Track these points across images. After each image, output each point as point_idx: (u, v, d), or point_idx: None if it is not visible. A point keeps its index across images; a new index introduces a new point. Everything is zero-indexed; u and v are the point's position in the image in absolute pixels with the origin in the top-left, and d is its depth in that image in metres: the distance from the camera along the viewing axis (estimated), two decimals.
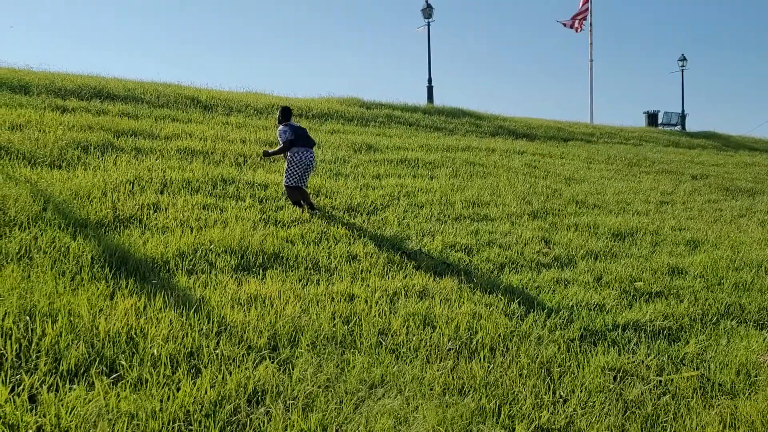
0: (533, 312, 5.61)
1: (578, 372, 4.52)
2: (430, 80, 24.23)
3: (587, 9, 29.85)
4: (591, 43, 30.77)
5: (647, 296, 6.45)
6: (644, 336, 5.36)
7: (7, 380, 3.46)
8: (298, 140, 8.11)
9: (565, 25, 29.66)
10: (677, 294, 6.57)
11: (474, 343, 4.79)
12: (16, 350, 3.76)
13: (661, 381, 4.56)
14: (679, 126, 32.00)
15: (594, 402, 4.13)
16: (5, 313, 4.10)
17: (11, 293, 4.42)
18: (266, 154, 8.64)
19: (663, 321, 5.73)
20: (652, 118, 30.78)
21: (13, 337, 3.86)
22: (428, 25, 24.21)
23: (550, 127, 22.02)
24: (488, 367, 4.42)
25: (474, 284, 6.20)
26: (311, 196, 8.77)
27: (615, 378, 4.52)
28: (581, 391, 4.23)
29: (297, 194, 8.13)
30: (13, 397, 3.32)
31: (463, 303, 5.60)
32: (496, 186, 11.13)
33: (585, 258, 7.61)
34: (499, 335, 4.96)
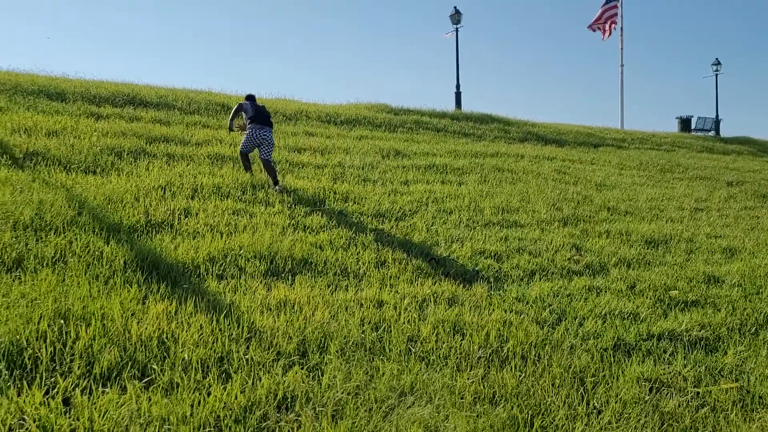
0: (565, 320, 5.53)
1: (612, 382, 4.43)
2: (458, 86, 24.16)
3: (616, 14, 29.46)
4: (621, 48, 30.41)
5: (683, 305, 6.30)
6: (680, 346, 5.23)
7: (42, 383, 3.50)
8: (257, 118, 9.37)
9: (592, 29, 29.30)
10: (714, 303, 6.41)
11: (505, 351, 4.72)
12: (50, 353, 3.81)
13: (698, 393, 4.44)
14: (713, 131, 31.39)
15: (629, 413, 4.03)
16: (41, 317, 4.16)
17: (47, 297, 4.49)
18: (230, 128, 10.11)
19: (699, 331, 5.58)
20: (685, 123, 30.25)
21: (48, 340, 3.91)
22: (456, 30, 24.15)
23: (580, 132, 21.78)
24: (520, 376, 4.35)
25: (504, 291, 6.13)
26: (339, 200, 8.79)
27: (651, 389, 4.41)
28: (616, 402, 4.14)
29: (247, 161, 9.64)
30: (47, 399, 3.35)
31: (493, 310, 5.53)
32: (525, 192, 11.02)
33: (617, 266, 7.48)
34: (531, 343, 4.89)
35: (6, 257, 5.20)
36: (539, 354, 4.74)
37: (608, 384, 4.40)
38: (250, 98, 9.69)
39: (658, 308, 6.13)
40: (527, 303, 5.87)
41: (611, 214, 10.25)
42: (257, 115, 9.35)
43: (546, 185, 11.92)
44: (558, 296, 6.18)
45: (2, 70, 14.94)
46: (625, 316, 5.80)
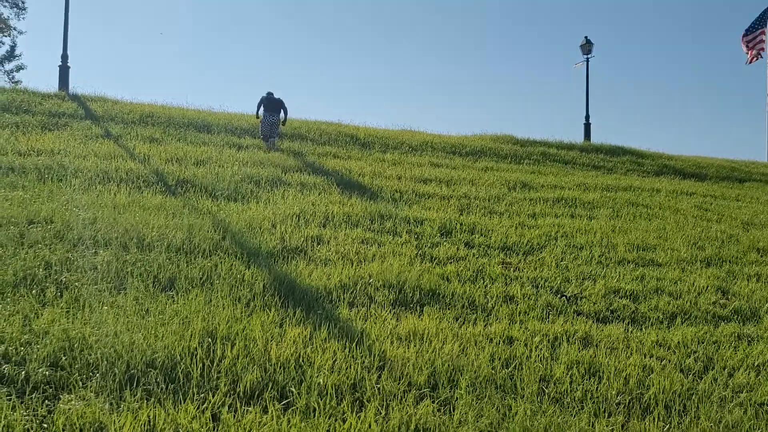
0: (712, 369, 5.13)
1: None
2: (587, 117, 23.45)
3: (763, 39, 27.35)
4: None
5: None
6: None
7: (194, 398, 3.75)
8: (267, 107, 13.47)
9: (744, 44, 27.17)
10: None
11: (646, 398, 4.45)
12: (200, 369, 4.08)
13: None
14: None
15: None
16: (191, 334, 4.48)
17: (196, 316, 4.82)
18: (257, 116, 13.91)
19: None
20: None
21: (197, 357, 4.19)
22: (587, 60, 23.55)
23: (723, 166, 20.34)
24: (664, 427, 4.08)
25: (642, 334, 5.80)
26: (465, 232, 8.75)
27: None
28: None
29: (266, 141, 13.45)
30: (198, 414, 3.58)
31: (632, 354, 5.24)
32: (662, 229, 10.41)
33: None
34: (675, 392, 4.57)
35: (162, 277, 5.67)
36: (685, 404, 4.42)
37: None
38: (269, 93, 13.59)
39: None
40: (669, 348, 5.51)
41: (761, 256, 9.42)
42: (268, 104, 13.45)
43: (685, 222, 11.20)
44: (703, 343, 5.74)
45: (158, 104, 16.45)
46: None
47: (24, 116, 13.20)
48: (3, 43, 34.18)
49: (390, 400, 4.03)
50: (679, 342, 5.67)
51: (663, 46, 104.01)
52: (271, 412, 3.68)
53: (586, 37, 23.62)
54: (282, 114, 13.74)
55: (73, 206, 7.42)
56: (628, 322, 6.17)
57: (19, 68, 34.73)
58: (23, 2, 33.35)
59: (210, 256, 6.42)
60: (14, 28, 33.71)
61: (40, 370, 3.83)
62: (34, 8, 58.02)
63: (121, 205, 7.75)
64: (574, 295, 6.78)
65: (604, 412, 4.23)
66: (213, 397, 3.77)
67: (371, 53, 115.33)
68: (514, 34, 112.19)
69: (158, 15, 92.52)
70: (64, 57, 17.69)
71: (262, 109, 13.59)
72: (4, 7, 32.92)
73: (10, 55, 34.36)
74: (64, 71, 17.66)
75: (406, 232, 8.42)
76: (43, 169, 9.17)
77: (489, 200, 11.04)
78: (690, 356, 5.34)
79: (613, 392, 4.49)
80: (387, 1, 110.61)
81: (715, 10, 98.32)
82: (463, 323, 5.67)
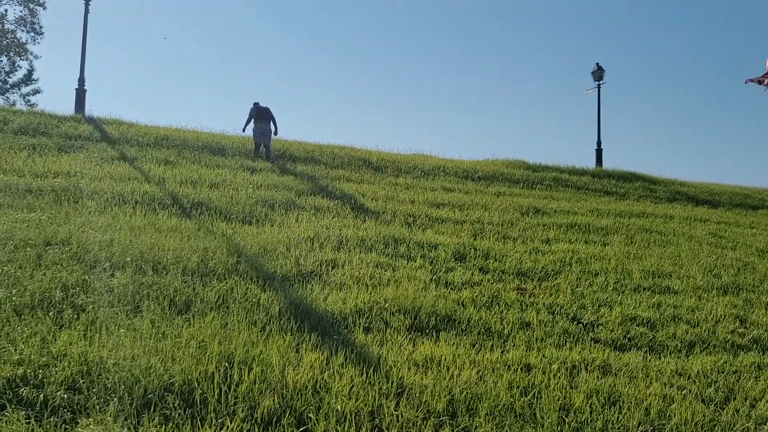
0: (734, 400, 5.04)
1: None
2: (599, 143, 23.43)
3: None
4: None
5: None
6: None
7: (211, 423, 3.72)
8: (257, 118, 14.22)
9: (753, 81, 27.22)
10: None
11: (668, 430, 4.37)
12: (217, 394, 4.05)
13: None
14: None
15: None
16: (208, 359, 4.46)
17: (213, 339, 4.81)
18: (243, 130, 14.84)
19: None
20: None
21: (215, 382, 4.17)
22: (598, 87, 23.62)
23: (736, 193, 20.24)
24: None
25: (660, 362, 5.72)
26: (480, 257, 8.72)
27: None
28: None
29: (257, 150, 14.43)
30: None
31: (651, 383, 5.16)
32: (677, 256, 10.33)
33: None
34: (697, 423, 4.49)
35: (178, 300, 5.67)
36: None
37: None
38: (255, 104, 14.33)
39: None
40: (689, 378, 5.43)
41: None
42: (258, 115, 14.20)
43: (700, 249, 11.12)
44: (723, 372, 5.66)
45: (172, 127, 16.61)
46: None
47: (41, 138, 13.37)
48: (20, 67, 34.83)
49: (409, 428, 3.98)
50: (698, 371, 5.59)
51: (674, 72, 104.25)
52: None
53: (597, 64, 23.72)
54: (272, 125, 14.52)
55: (89, 228, 7.47)
56: (646, 351, 6.09)
57: (36, 91, 35.36)
58: (40, 27, 34.05)
59: (225, 279, 6.42)
60: (31, 53, 34.35)
61: (58, 393, 3.82)
62: (51, 31, 59.09)
63: (136, 228, 7.78)
64: (591, 322, 6.71)
65: None
66: (231, 422, 3.75)
67: (382, 77, 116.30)
68: (524, 58, 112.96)
69: (174, 37, 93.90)
70: (81, 80, 17.97)
71: (251, 124, 14.50)
72: (22, 32, 33.58)
73: (27, 78, 34.97)
74: (80, 94, 17.93)
75: (420, 256, 8.40)
76: (59, 191, 9.24)
77: (502, 225, 11.01)
78: (710, 386, 5.26)
79: (635, 422, 4.42)
80: (400, 26, 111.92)
81: (728, 36, 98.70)
82: (480, 350, 5.62)
